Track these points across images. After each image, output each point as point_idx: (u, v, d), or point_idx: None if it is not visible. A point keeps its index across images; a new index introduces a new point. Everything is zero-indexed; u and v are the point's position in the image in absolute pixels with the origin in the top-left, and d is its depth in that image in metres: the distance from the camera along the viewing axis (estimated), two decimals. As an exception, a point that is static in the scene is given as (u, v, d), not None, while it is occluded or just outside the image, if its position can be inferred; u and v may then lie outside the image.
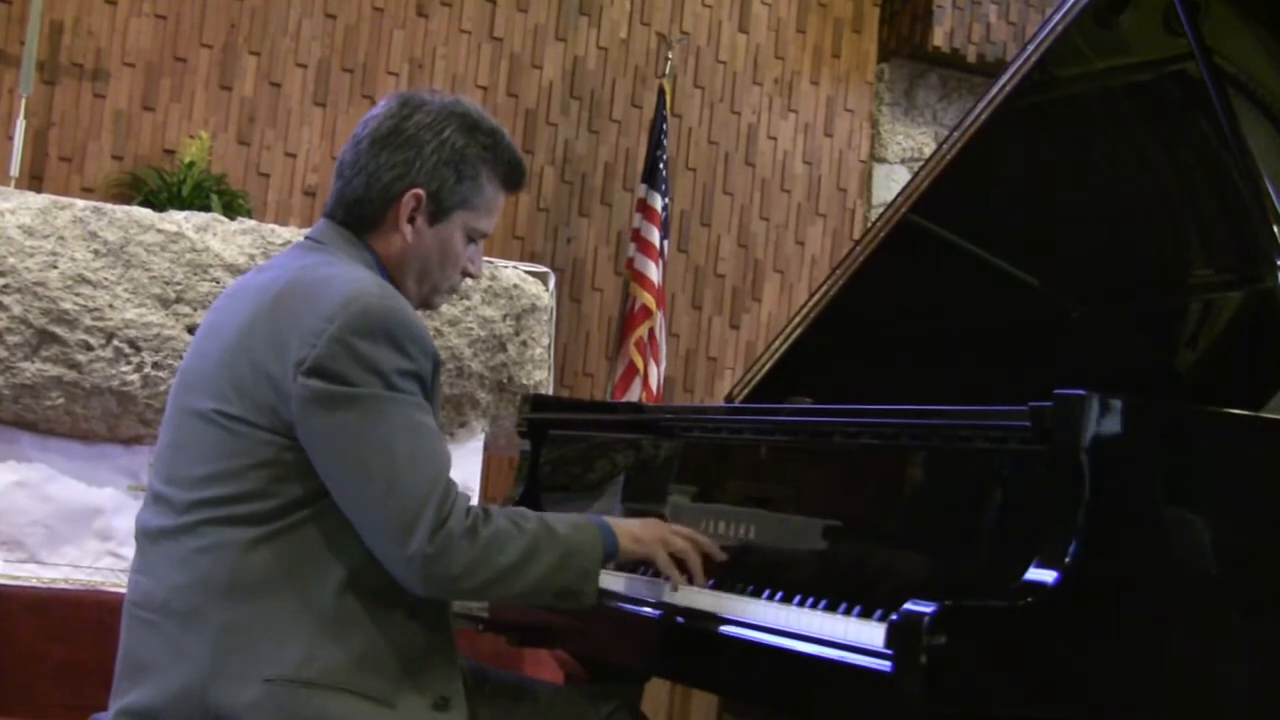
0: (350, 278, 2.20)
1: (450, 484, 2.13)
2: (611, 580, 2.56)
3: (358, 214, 2.33)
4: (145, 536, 2.24)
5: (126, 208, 4.11)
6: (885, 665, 1.96)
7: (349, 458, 2.10)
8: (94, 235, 3.92)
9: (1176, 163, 3.09)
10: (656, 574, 2.50)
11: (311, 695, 2.10)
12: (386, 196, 2.31)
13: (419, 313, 2.29)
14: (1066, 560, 1.96)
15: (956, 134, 3.15)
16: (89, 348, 3.89)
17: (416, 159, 2.31)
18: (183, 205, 5.21)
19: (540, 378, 4.40)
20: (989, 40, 6.88)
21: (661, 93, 6.31)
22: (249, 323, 2.19)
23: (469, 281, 2.47)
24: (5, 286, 3.81)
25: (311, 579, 2.13)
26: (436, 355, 2.21)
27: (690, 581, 2.41)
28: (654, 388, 6.03)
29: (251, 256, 4.07)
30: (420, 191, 2.31)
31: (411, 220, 2.32)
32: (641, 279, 6.08)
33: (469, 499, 2.15)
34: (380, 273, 2.31)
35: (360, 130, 2.36)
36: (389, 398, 2.11)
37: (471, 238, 2.40)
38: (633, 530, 2.37)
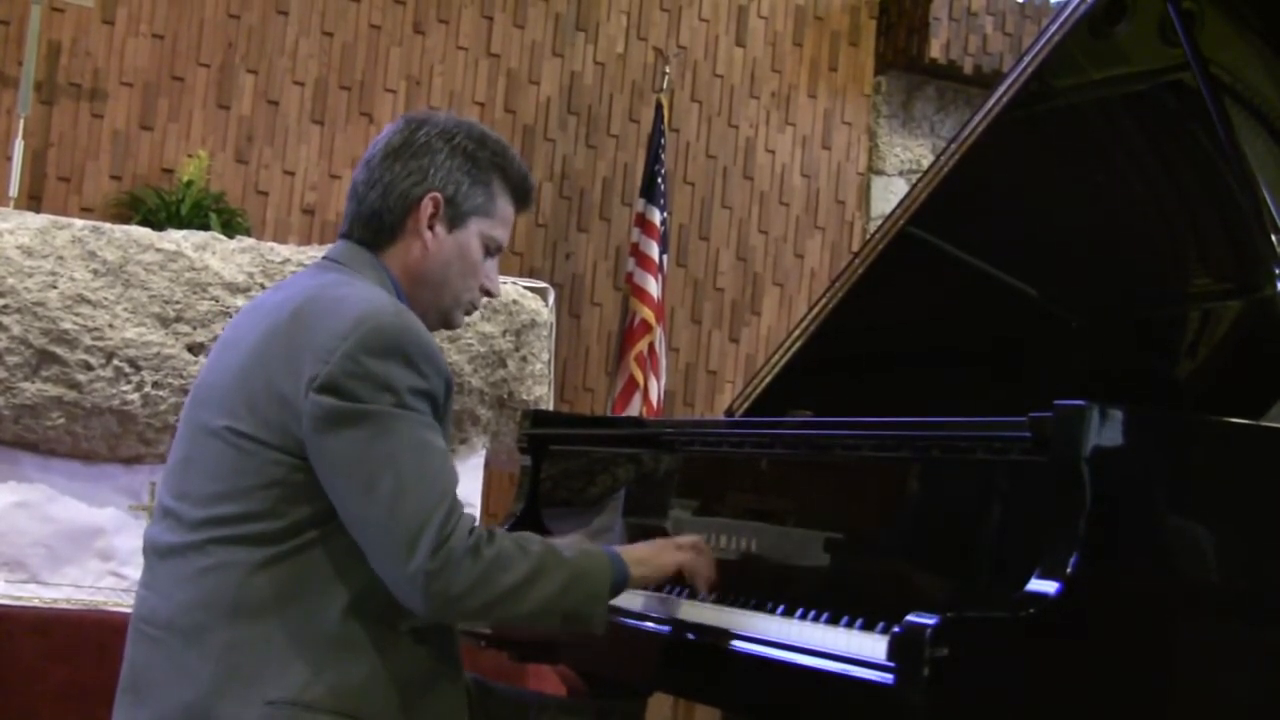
0: (365, 297, 2.21)
1: (455, 503, 2.12)
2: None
3: (375, 227, 2.34)
4: (154, 552, 2.24)
5: (125, 227, 4.12)
6: (888, 678, 1.96)
7: (356, 473, 2.09)
8: (93, 255, 3.93)
9: (1174, 172, 3.09)
10: (659, 589, 2.50)
11: (314, 719, 2.09)
12: (404, 204, 2.33)
13: (436, 334, 2.30)
14: (1068, 571, 1.96)
15: (954, 146, 3.16)
16: (89, 367, 3.89)
17: (431, 164, 2.33)
18: (181, 224, 5.21)
19: (540, 393, 4.40)
20: (985, 52, 6.89)
21: (659, 107, 6.31)
22: (264, 340, 2.19)
23: (485, 300, 2.47)
24: (5, 307, 3.81)
25: (316, 602, 2.13)
26: (449, 376, 2.21)
27: (708, 590, 2.45)
28: (654, 402, 6.03)
29: (250, 275, 4.07)
30: (438, 195, 2.33)
31: (431, 226, 2.33)
32: (641, 293, 6.07)
33: (474, 519, 2.15)
34: (396, 293, 2.31)
35: (370, 151, 2.38)
36: (398, 415, 2.11)
37: (488, 249, 2.41)
38: (639, 554, 2.38)
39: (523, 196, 2.45)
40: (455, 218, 2.35)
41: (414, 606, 2.11)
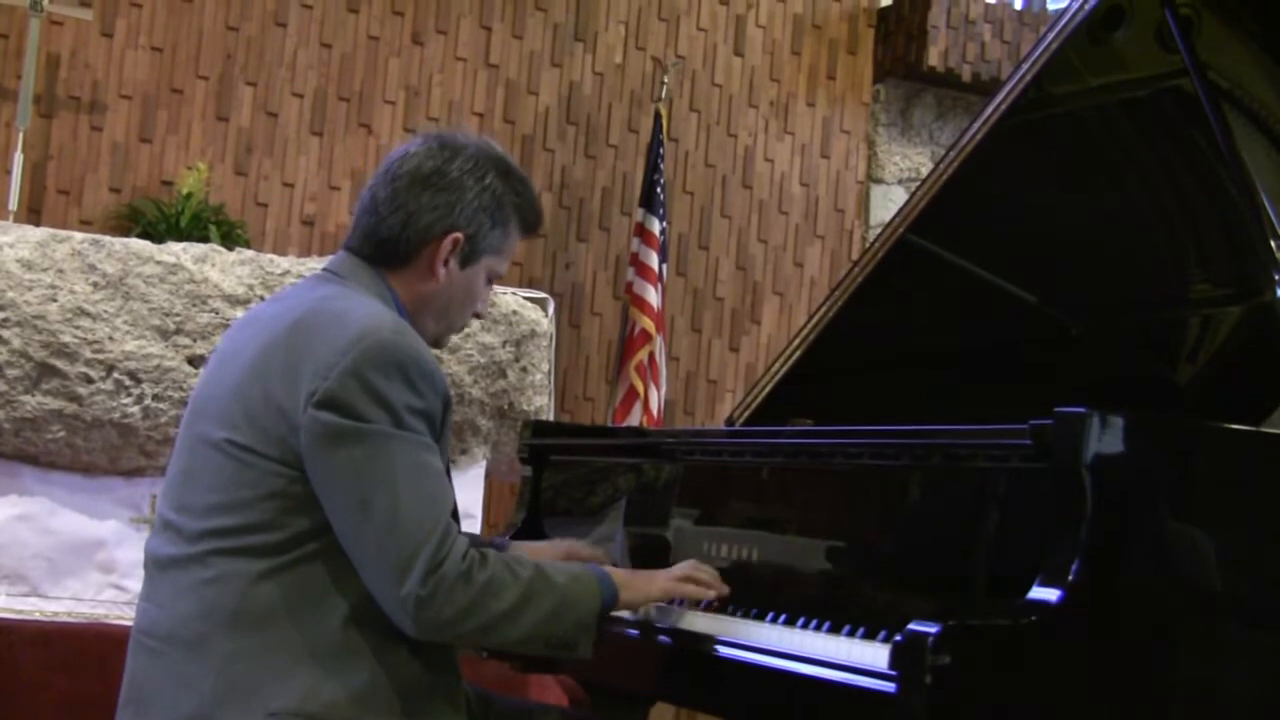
0: (366, 312, 2.20)
1: (449, 527, 2.12)
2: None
3: (387, 251, 2.32)
4: (154, 565, 2.24)
5: (125, 240, 4.11)
6: (889, 686, 1.95)
7: (351, 494, 2.09)
8: (93, 268, 3.92)
9: (1173, 178, 3.09)
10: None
11: (315, 729, 2.09)
12: (424, 237, 2.31)
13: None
14: (1069, 578, 1.96)
15: (953, 153, 3.16)
16: (89, 380, 3.89)
17: (459, 202, 2.32)
18: (181, 236, 5.21)
19: (541, 403, 4.40)
20: (984, 59, 6.89)
21: (658, 117, 6.32)
22: (263, 353, 2.19)
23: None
24: (5, 320, 3.81)
25: (317, 612, 2.13)
26: (448, 394, 2.21)
27: (707, 601, 2.43)
28: (654, 411, 6.03)
29: (250, 287, 4.07)
30: (460, 235, 2.32)
31: (445, 262, 2.33)
32: (640, 303, 6.08)
33: (467, 542, 2.15)
34: (397, 308, 2.31)
35: (396, 168, 2.34)
36: (396, 436, 2.11)
37: (490, 280, 2.41)
38: (630, 578, 2.38)
39: (534, 228, 2.47)
40: (470, 255, 2.35)
41: (405, 628, 2.11)
